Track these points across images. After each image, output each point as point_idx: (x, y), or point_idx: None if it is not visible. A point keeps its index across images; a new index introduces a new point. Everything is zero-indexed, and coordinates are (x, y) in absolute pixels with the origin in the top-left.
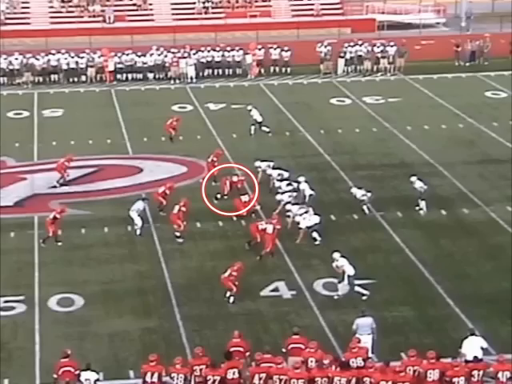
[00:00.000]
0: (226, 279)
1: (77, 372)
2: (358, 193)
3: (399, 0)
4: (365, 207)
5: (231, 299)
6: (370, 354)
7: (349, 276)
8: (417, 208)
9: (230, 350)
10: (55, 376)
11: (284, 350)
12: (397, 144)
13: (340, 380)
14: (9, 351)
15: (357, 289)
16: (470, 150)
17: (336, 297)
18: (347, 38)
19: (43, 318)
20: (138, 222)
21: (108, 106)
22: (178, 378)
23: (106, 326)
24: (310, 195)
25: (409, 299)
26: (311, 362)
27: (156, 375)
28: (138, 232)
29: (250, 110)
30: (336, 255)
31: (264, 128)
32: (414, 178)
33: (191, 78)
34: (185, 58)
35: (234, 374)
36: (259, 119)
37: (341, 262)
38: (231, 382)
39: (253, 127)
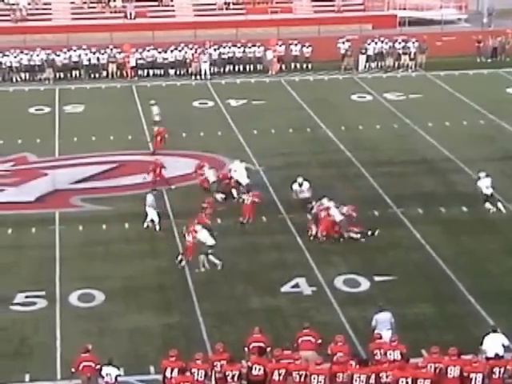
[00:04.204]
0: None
1: (97, 367)
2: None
3: None
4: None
5: (183, 262)
6: None
7: (209, 246)
8: (489, 207)
9: (258, 346)
10: (73, 370)
11: (295, 345)
12: (418, 140)
13: (360, 377)
14: (30, 346)
15: (210, 257)
16: (491, 147)
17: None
18: (368, 34)
19: (64, 313)
20: (155, 217)
21: (129, 102)
22: (198, 374)
23: (127, 321)
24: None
25: (429, 296)
26: (340, 356)
27: (176, 371)
28: (158, 227)
29: (152, 105)
30: (198, 227)
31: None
32: (482, 174)
33: (205, 75)
34: (204, 54)
35: (259, 370)
36: (156, 118)
37: (202, 234)
38: (255, 378)
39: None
